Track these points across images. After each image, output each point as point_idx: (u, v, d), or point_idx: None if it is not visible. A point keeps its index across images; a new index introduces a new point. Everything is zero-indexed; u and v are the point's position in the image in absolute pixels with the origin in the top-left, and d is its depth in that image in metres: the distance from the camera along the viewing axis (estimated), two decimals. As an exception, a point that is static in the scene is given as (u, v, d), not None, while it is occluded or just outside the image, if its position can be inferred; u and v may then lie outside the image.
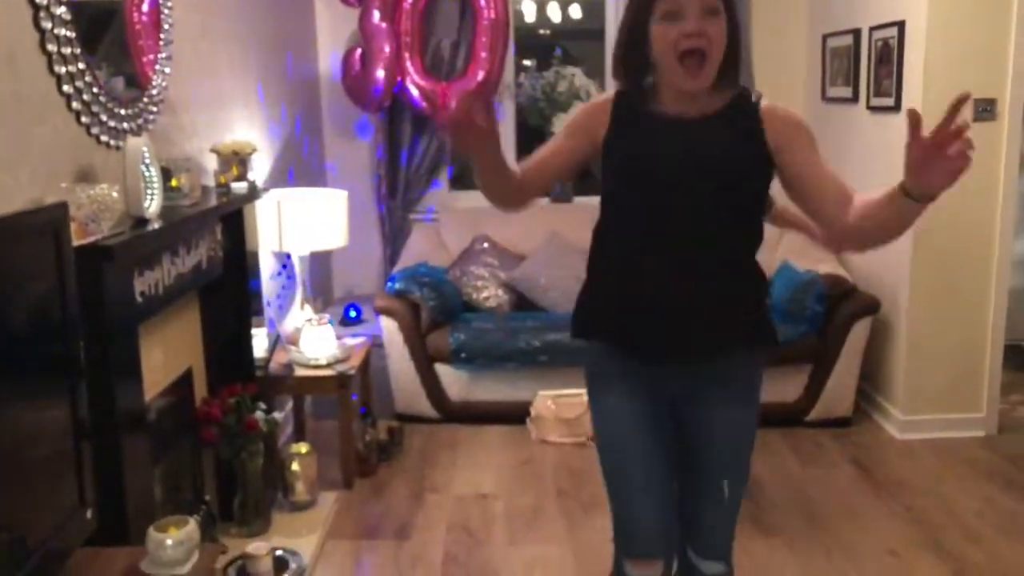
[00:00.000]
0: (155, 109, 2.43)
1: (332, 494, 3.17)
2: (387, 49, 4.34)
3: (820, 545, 2.87)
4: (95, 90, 2.05)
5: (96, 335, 1.82)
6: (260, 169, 3.40)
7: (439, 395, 3.90)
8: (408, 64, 4.42)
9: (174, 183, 2.33)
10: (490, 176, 1.69)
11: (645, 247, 1.67)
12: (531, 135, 5.28)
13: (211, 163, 2.83)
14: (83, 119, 2.03)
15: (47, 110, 1.90)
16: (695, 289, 1.65)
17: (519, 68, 5.01)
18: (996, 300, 3.64)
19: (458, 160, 4.91)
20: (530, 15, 5.64)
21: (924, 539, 2.90)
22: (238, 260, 2.85)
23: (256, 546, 2.47)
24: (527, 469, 3.50)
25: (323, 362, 3.28)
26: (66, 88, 1.95)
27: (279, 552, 2.63)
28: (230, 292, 2.82)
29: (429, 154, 4.69)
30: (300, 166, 4.19)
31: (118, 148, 2.16)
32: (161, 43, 2.50)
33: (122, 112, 2.21)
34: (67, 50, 1.93)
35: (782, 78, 4.63)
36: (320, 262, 4.41)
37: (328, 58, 4.67)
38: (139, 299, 2.12)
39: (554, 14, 5.99)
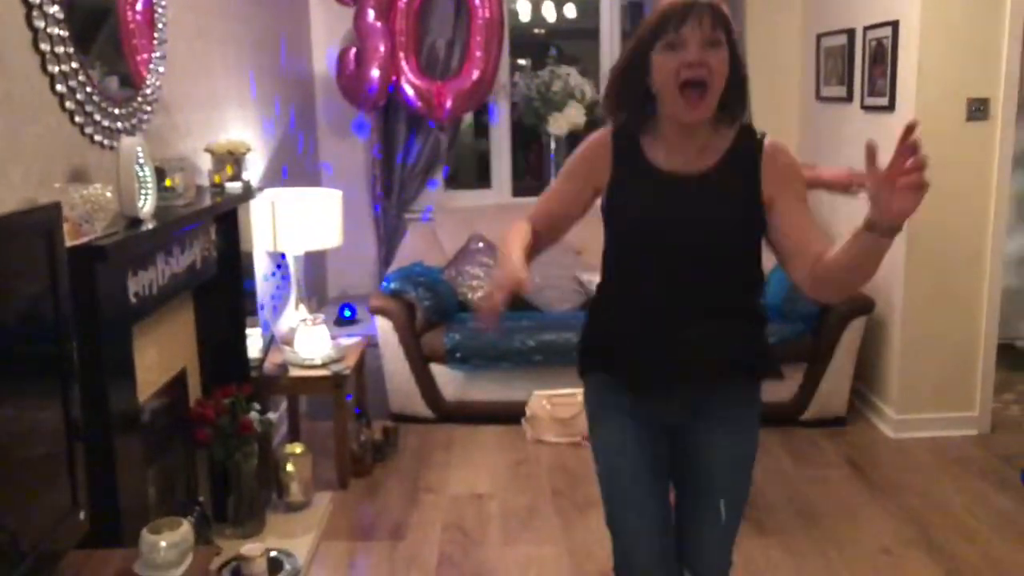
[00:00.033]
0: (149, 109, 2.42)
1: (327, 495, 3.16)
2: (382, 48, 4.34)
3: (814, 544, 2.87)
4: (88, 89, 2.05)
5: (89, 335, 1.81)
6: (255, 169, 3.39)
7: (434, 395, 3.90)
8: (403, 63, 4.42)
9: (168, 183, 2.32)
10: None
11: (644, 296, 1.68)
12: (526, 134, 5.28)
13: (205, 163, 2.82)
14: (76, 119, 2.02)
15: (40, 109, 1.89)
16: (695, 335, 1.65)
17: (514, 67, 5.01)
18: (989, 299, 3.66)
19: (453, 161, 4.92)
20: (525, 14, 5.64)
21: (918, 538, 2.90)
22: (232, 260, 2.84)
23: (250, 547, 2.46)
24: (522, 469, 3.50)
25: (318, 362, 3.28)
26: (59, 87, 1.94)
27: (273, 553, 2.62)
28: (224, 292, 2.82)
29: (424, 154, 4.68)
30: (295, 166, 4.18)
31: (112, 148, 2.16)
32: (155, 42, 2.49)
33: (116, 112, 2.20)
34: (60, 49, 1.92)
35: (777, 77, 4.64)
36: (315, 262, 4.40)
37: (323, 57, 4.67)
38: (133, 299, 2.11)
39: (549, 13, 6.00)
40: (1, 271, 1.45)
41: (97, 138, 2.12)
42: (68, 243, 1.74)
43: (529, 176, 6.23)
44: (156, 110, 2.47)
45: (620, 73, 1.65)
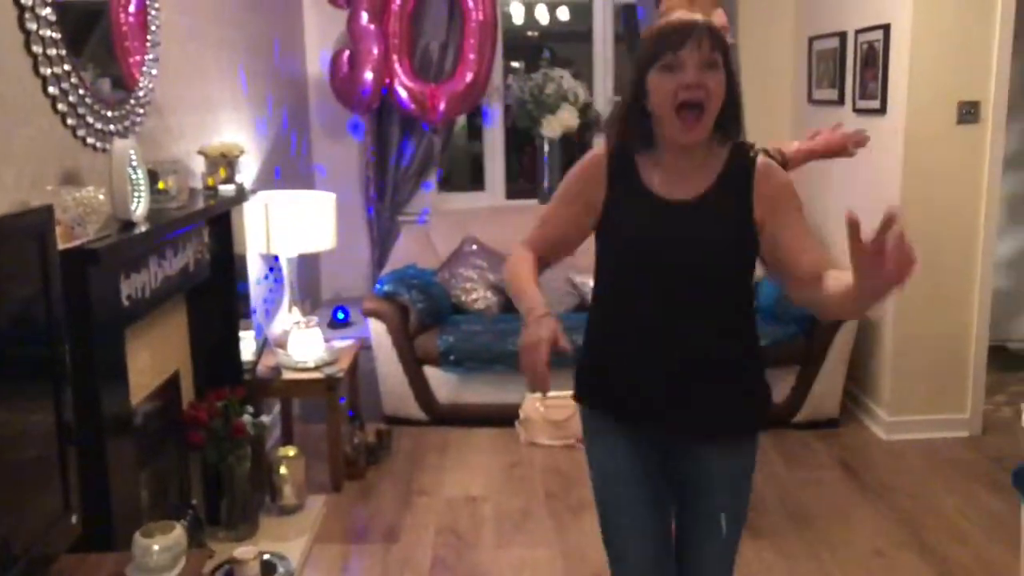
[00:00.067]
0: (142, 111, 2.41)
1: (320, 498, 3.16)
2: (375, 51, 4.34)
3: (807, 546, 2.88)
4: (81, 92, 2.04)
5: (82, 338, 1.81)
6: (248, 171, 3.38)
7: (427, 398, 3.90)
8: (396, 66, 4.42)
9: (161, 185, 2.31)
10: None
11: (639, 318, 1.68)
12: (519, 137, 5.28)
13: (199, 165, 2.81)
14: (69, 121, 2.02)
15: (32, 112, 1.89)
16: (690, 362, 1.66)
17: (507, 70, 5.02)
18: (980, 301, 3.67)
19: (446, 163, 4.91)
20: (518, 17, 5.64)
21: (910, 540, 2.91)
22: (226, 263, 2.84)
23: (243, 551, 2.45)
24: (516, 472, 3.50)
25: (311, 365, 3.27)
26: (52, 90, 1.94)
27: (267, 556, 2.62)
28: (218, 295, 2.81)
29: (417, 156, 4.69)
30: (288, 168, 4.17)
31: (104, 150, 2.15)
32: (148, 45, 2.49)
33: (109, 114, 2.19)
34: (52, 52, 1.92)
35: (769, 80, 4.66)
36: (308, 264, 4.40)
37: (316, 59, 4.66)
38: (125, 302, 2.11)
39: (542, 16, 6.01)
40: (-7, 274, 1.44)
41: (90, 141, 2.11)
42: (60, 246, 1.74)
43: (522, 178, 6.24)
44: (149, 112, 2.47)
45: (629, 101, 1.64)
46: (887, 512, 3.11)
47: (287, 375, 3.25)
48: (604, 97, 4.89)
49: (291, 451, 3.05)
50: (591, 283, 1.80)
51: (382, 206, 4.72)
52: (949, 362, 3.71)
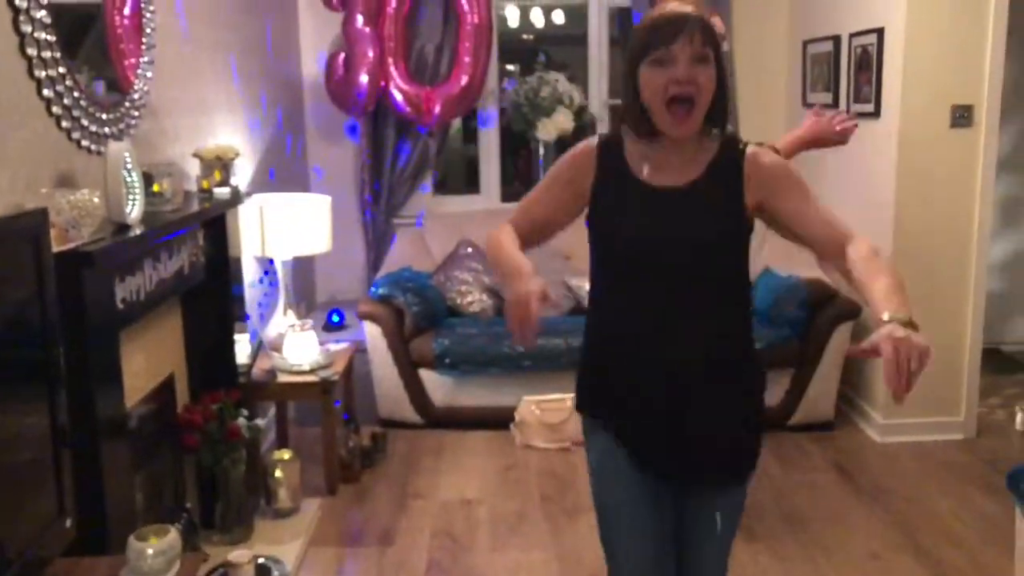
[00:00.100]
0: (137, 114, 2.41)
1: (315, 501, 3.15)
2: (371, 54, 4.34)
3: (803, 549, 2.88)
4: (76, 94, 2.04)
5: (76, 341, 1.80)
6: (243, 174, 3.38)
7: (423, 401, 3.90)
8: (392, 69, 4.42)
9: (156, 188, 2.31)
10: None
11: (632, 315, 1.67)
12: (514, 140, 5.29)
13: (194, 168, 2.81)
14: (63, 124, 2.01)
15: (27, 114, 1.89)
16: (688, 361, 1.64)
17: (502, 73, 5.02)
18: (974, 304, 3.69)
19: (442, 166, 4.92)
20: (513, 20, 5.66)
21: (905, 542, 2.92)
22: (221, 266, 2.83)
23: (238, 554, 2.45)
24: (511, 475, 3.50)
25: (306, 368, 3.27)
26: (46, 92, 1.93)
27: (261, 560, 2.61)
28: (212, 298, 2.81)
29: (413, 159, 4.69)
30: (283, 171, 4.17)
31: (99, 153, 2.15)
32: (143, 47, 2.48)
33: (103, 117, 2.19)
34: (47, 54, 1.91)
35: (763, 84, 4.67)
36: (303, 267, 4.40)
37: (312, 62, 4.66)
38: (120, 305, 2.10)
39: (537, 19, 6.02)
40: (-13, 277, 1.44)
41: (84, 143, 2.11)
42: (55, 249, 1.73)
43: (518, 181, 6.24)
44: (144, 115, 2.47)
45: (630, 96, 1.64)
46: (882, 515, 3.11)
47: (282, 378, 3.25)
48: (599, 100, 4.90)
49: (286, 454, 3.05)
50: (587, 287, 1.81)
51: (377, 209, 4.72)
52: (943, 365, 3.72)
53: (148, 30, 2.51)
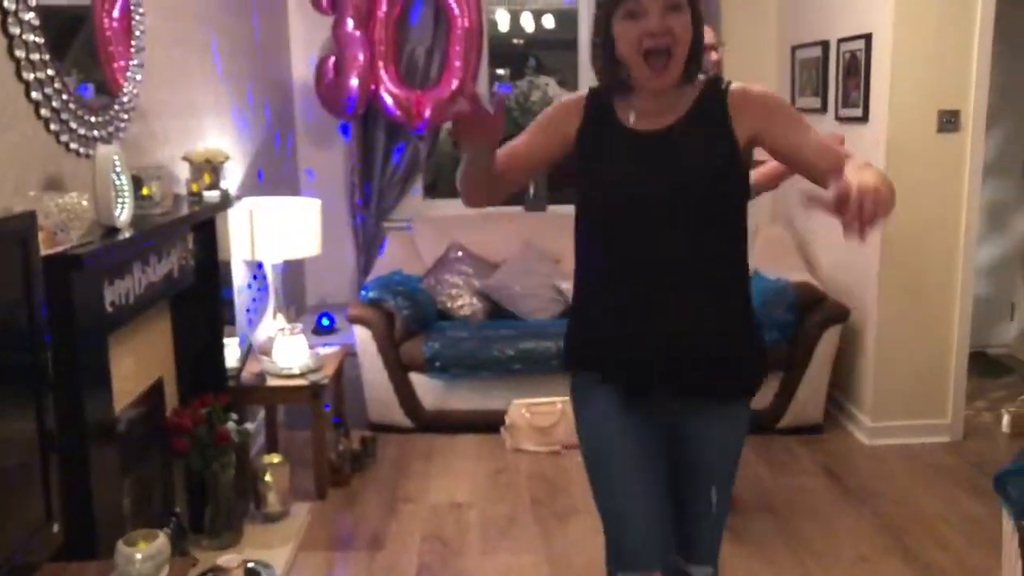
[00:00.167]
0: (126, 116, 2.40)
1: (305, 505, 3.14)
2: (361, 57, 4.34)
3: (792, 553, 2.89)
4: (64, 97, 2.03)
5: (65, 345, 1.80)
6: (233, 177, 3.37)
7: (413, 404, 3.89)
8: (382, 72, 4.42)
9: (145, 191, 2.30)
10: (479, 168, 1.67)
11: (624, 272, 1.65)
12: (504, 144, 5.29)
13: (183, 171, 2.80)
14: (52, 126, 2.01)
15: (15, 117, 1.88)
16: (683, 321, 1.63)
17: (493, 77, 5.03)
18: (961, 308, 3.71)
19: (432, 170, 4.92)
20: (504, 24, 5.67)
21: (894, 545, 2.94)
22: (210, 269, 2.83)
23: (227, 558, 2.43)
24: (501, 478, 3.50)
25: (296, 372, 3.26)
26: (35, 95, 1.92)
27: (251, 564, 2.60)
28: (202, 301, 2.80)
29: (403, 163, 4.69)
30: (274, 175, 4.16)
31: (88, 156, 2.14)
32: (132, 50, 2.48)
33: (92, 119, 2.18)
34: (35, 56, 1.91)
35: (753, 89, 4.69)
36: (293, 271, 4.38)
37: (302, 65, 4.66)
38: (109, 308, 2.10)
39: (527, 24, 6.03)
40: (-25, 280, 1.43)
41: (73, 146, 2.10)
42: (43, 252, 1.72)
43: (508, 185, 6.25)
44: (133, 118, 2.46)
45: (594, 45, 1.66)
46: (870, 517, 3.13)
47: (272, 382, 3.24)
48: (589, 104, 4.91)
49: (275, 458, 3.04)
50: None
51: (367, 212, 4.72)
52: (931, 368, 3.75)
53: (137, 32, 2.50)
